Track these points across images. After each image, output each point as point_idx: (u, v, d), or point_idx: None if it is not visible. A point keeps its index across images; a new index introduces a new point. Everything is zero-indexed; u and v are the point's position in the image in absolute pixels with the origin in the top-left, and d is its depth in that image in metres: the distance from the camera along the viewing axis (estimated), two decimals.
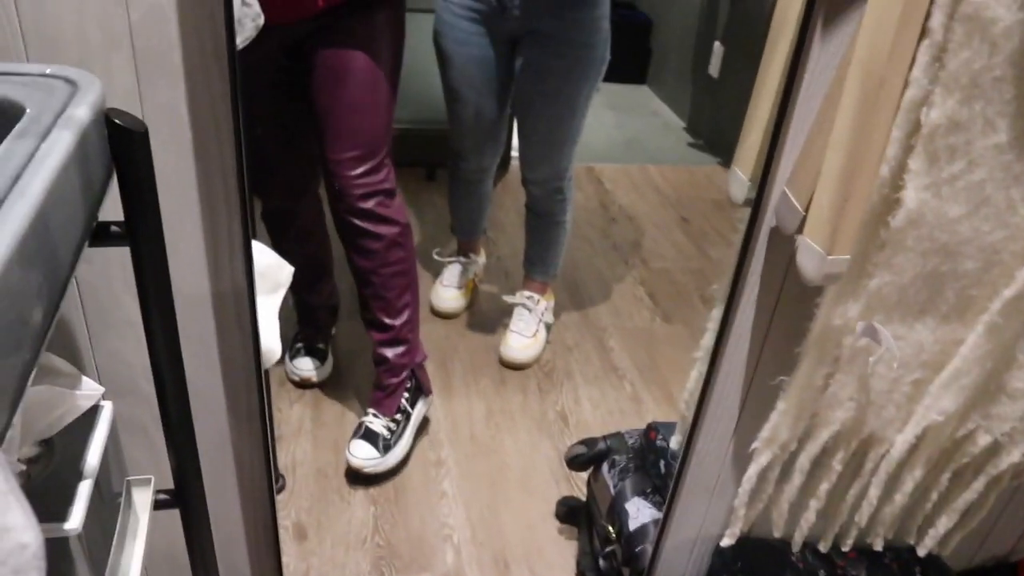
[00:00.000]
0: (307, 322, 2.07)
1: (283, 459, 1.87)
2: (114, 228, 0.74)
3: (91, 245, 0.74)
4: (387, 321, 1.76)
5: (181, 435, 0.87)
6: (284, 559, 1.66)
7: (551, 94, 1.89)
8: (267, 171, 1.77)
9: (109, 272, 0.93)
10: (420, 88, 2.53)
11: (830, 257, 0.86)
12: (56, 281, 0.57)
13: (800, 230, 0.92)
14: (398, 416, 1.84)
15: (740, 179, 1.01)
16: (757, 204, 0.97)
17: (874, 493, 1.11)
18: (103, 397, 1.03)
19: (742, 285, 1.03)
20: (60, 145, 0.59)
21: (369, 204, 1.60)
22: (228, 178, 0.91)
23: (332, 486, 1.83)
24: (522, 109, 1.97)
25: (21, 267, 0.49)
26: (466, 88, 1.94)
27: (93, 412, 0.81)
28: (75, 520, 0.69)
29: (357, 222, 1.62)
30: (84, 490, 0.72)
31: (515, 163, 2.81)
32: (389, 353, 1.80)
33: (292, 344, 2.07)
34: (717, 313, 1.07)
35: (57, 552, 0.71)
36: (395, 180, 1.64)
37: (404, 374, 1.83)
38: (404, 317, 1.76)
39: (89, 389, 0.72)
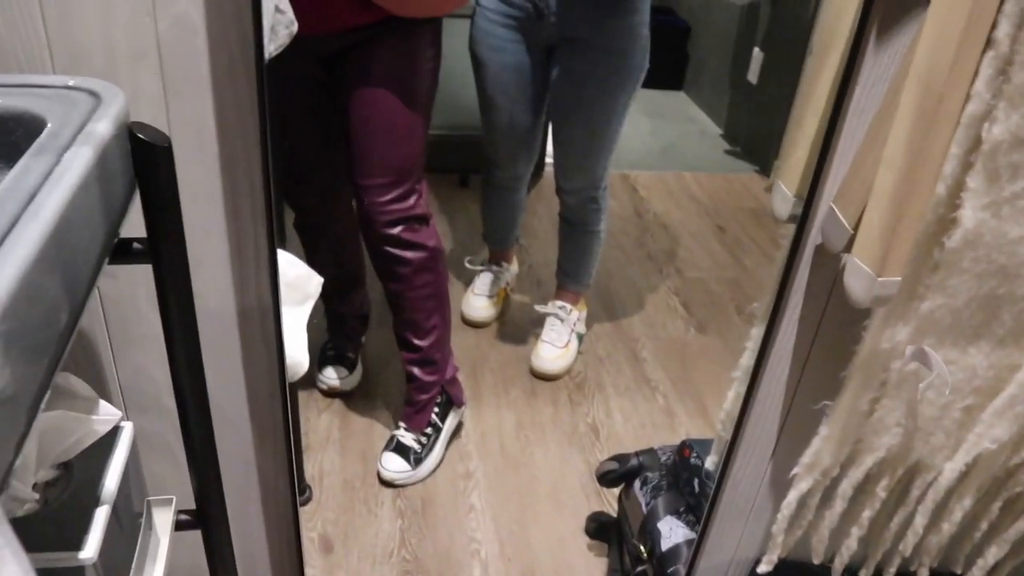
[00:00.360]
0: (337, 331, 2.05)
1: (310, 470, 1.86)
2: (136, 245, 0.73)
3: (111, 262, 0.73)
4: (415, 342, 1.75)
5: (203, 453, 0.86)
6: (309, 572, 1.64)
7: (587, 102, 1.85)
8: (300, 181, 1.75)
9: (133, 287, 0.92)
10: (455, 94, 2.51)
11: (880, 279, 0.82)
12: (73, 301, 0.55)
13: (848, 249, 0.87)
14: (428, 430, 1.83)
15: (784, 194, 0.97)
16: (803, 221, 0.92)
17: (920, 522, 1.06)
18: (126, 415, 1.02)
19: (784, 304, 0.98)
20: (78, 162, 0.57)
21: (396, 230, 1.57)
22: (255, 191, 0.88)
23: (359, 497, 1.81)
24: (558, 117, 1.93)
25: (32, 290, 0.47)
26: (501, 95, 1.92)
27: (113, 434, 0.79)
28: (91, 549, 0.67)
29: (384, 247, 1.60)
30: (101, 517, 0.70)
31: (549, 170, 2.78)
32: (418, 372, 1.80)
33: (322, 353, 2.06)
34: (757, 332, 1.03)
35: None
36: (427, 204, 1.61)
37: (433, 391, 1.82)
38: (432, 338, 1.75)
39: (107, 414, 0.69)
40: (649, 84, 1.91)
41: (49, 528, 0.70)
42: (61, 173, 0.55)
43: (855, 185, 0.85)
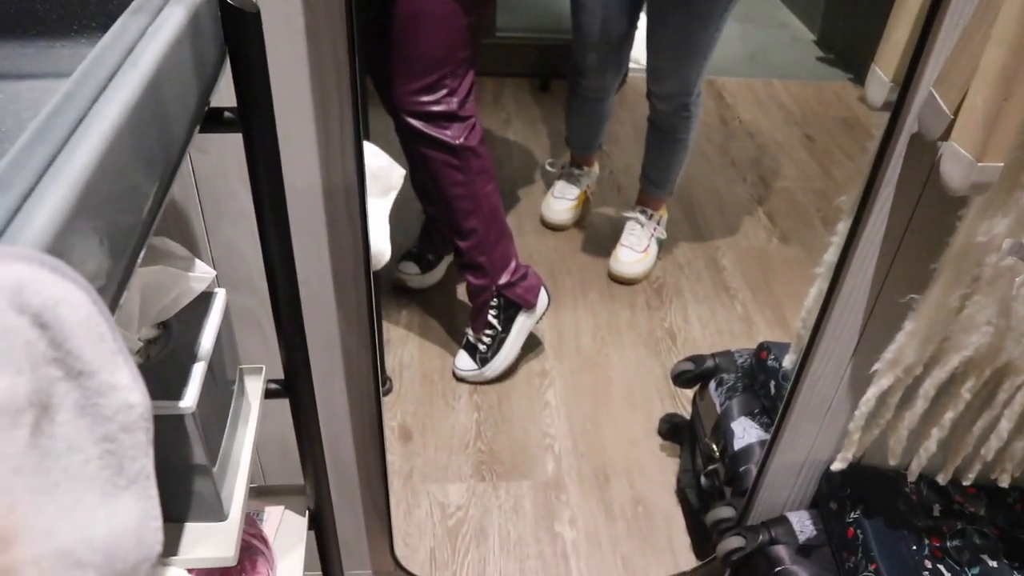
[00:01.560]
0: (425, 231, 2.08)
1: (391, 362, 1.92)
2: (227, 114, 0.74)
3: (203, 130, 0.74)
4: (458, 244, 1.75)
5: (291, 327, 0.89)
6: (389, 457, 1.71)
7: (681, 7, 1.78)
8: (380, 70, 1.75)
9: (224, 163, 0.94)
10: None
11: (980, 164, 0.78)
12: (169, 157, 0.57)
13: (946, 137, 0.83)
14: (488, 331, 1.85)
15: (881, 79, 0.93)
16: (899, 106, 0.89)
17: (1005, 426, 1.04)
18: (218, 285, 1.06)
19: (875, 195, 0.95)
20: (172, 21, 0.58)
21: (418, 124, 1.56)
22: (341, 68, 0.89)
23: (437, 391, 1.87)
24: (654, 19, 1.87)
25: (133, 136, 0.48)
26: (593, 1, 1.86)
27: (207, 299, 0.82)
28: (190, 399, 0.71)
29: (407, 140, 1.60)
30: (198, 372, 0.74)
31: (634, 76, 2.71)
32: (468, 275, 1.82)
33: (408, 249, 2.10)
34: (844, 226, 1.00)
35: (174, 429, 0.73)
36: (462, 102, 1.57)
37: (485, 294, 1.83)
38: (472, 240, 1.74)
39: (202, 272, 0.73)
40: None
41: (152, 381, 0.74)
42: (156, 29, 0.57)
43: (960, 65, 0.80)
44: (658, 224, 2.18)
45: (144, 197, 0.52)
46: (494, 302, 1.83)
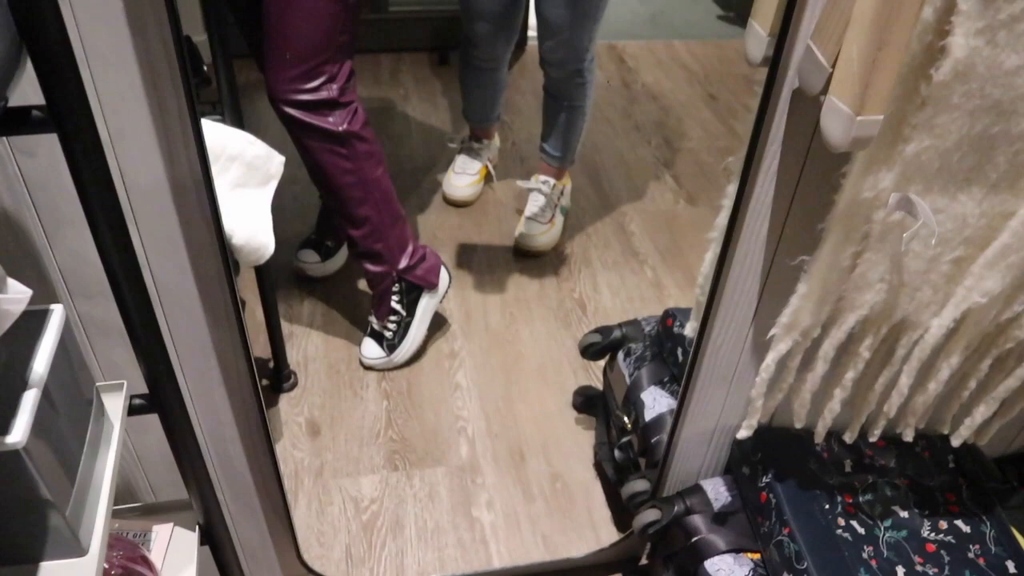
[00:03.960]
0: (323, 218, 1.99)
1: (294, 355, 1.84)
2: (36, 113, 0.66)
3: (3, 133, 0.66)
4: (351, 233, 1.69)
5: (146, 335, 0.81)
6: (297, 455, 1.65)
7: None
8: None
9: (57, 164, 0.85)
10: None
11: (859, 118, 0.75)
12: None
13: (826, 90, 0.80)
14: (393, 317, 1.79)
15: (758, 34, 0.89)
16: (775, 61, 0.85)
17: (905, 382, 1.03)
18: (71, 302, 0.97)
19: (760, 156, 0.92)
20: None
21: (296, 112, 1.48)
22: (170, 53, 0.80)
23: (344, 381, 1.80)
24: None
25: None
26: None
27: (40, 317, 0.74)
28: (18, 433, 0.64)
29: (289, 127, 1.52)
30: (29, 401, 0.66)
31: (532, 44, 2.65)
32: (365, 264, 1.75)
33: (306, 237, 2.01)
34: (733, 188, 0.97)
35: (8, 465, 0.66)
36: (342, 88, 1.50)
37: (385, 282, 1.77)
38: (366, 229, 1.67)
39: (16, 292, 0.64)
40: None
41: None
42: None
43: (834, 16, 0.77)
44: (562, 194, 2.14)
45: None
46: (396, 287, 1.77)
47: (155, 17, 0.77)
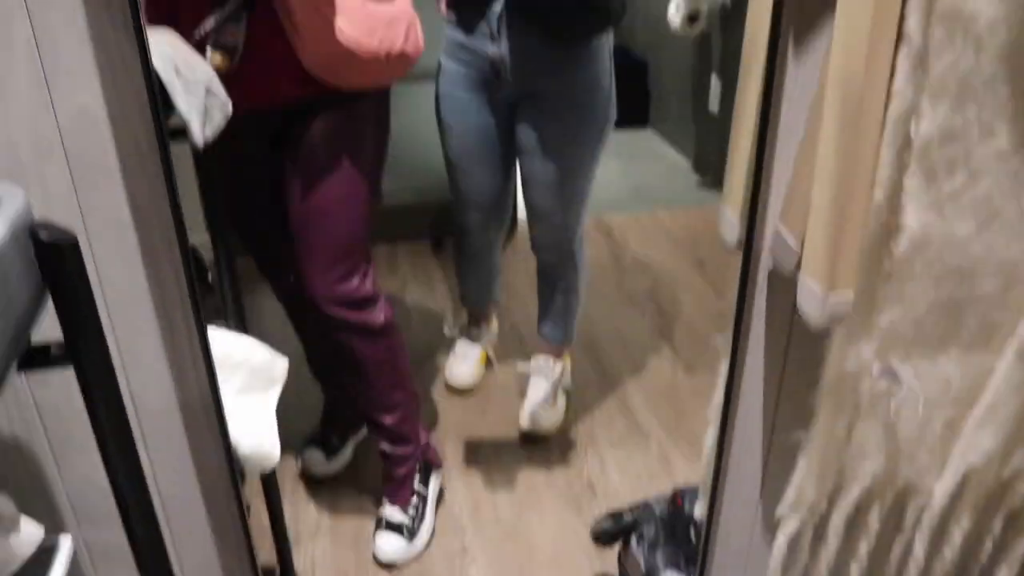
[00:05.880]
0: (326, 414, 1.99)
1: (301, 562, 1.79)
2: (55, 350, 0.69)
3: (25, 369, 0.69)
4: (384, 421, 1.71)
5: (153, 560, 0.81)
6: None
7: (552, 157, 1.82)
8: (270, 262, 1.72)
9: (71, 392, 0.87)
10: (423, 159, 2.49)
11: (831, 295, 0.78)
12: None
13: (799, 269, 0.84)
14: (414, 500, 1.77)
15: (730, 220, 0.94)
16: (748, 246, 0.89)
17: (920, 548, 1.01)
18: (78, 529, 0.97)
19: (746, 335, 0.95)
20: None
21: (340, 312, 1.53)
22: (180, 280, 0.85)
23: None
24: (525, 175, 1.90)
25: None
26: (467, 159, 1.90)
27: (50, 551, 0.74)
28: None
29: (331, 331, 1.56)
30: None
31: (524, 226, 2.77)
32: (392, 448, 1.76)
33: (310, 435, 2.00)
34: (724, 368, 0.99)
35: None
36: (373, 284, 1.57)
37: (411, 463, 1.78)
38: (399, 414, 1.71)
39: (28, 534, 0.65)
40: (615, 124, 1.88)
41: None
42: None
43: (796, 201, 0.82)
44: (563, 373, 2.16)
45: None
46: (417, 467, 1.78)
47: (168, 248, 0.82)
